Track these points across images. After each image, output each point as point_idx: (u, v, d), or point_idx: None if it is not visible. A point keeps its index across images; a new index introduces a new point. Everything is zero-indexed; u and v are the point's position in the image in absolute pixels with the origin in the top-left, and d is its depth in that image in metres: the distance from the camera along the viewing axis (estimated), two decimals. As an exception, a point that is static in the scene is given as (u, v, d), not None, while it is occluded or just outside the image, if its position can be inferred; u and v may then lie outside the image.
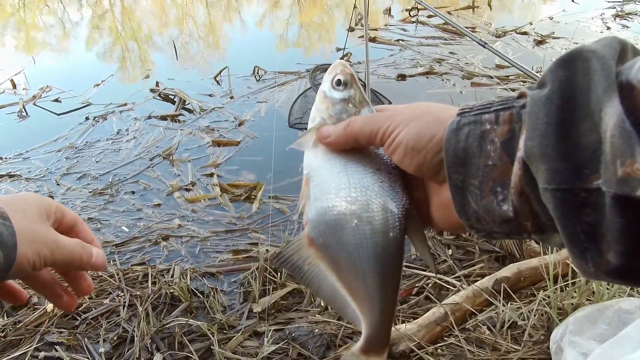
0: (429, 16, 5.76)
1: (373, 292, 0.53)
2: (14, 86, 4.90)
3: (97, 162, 3.47)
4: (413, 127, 0.48)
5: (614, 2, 6.27)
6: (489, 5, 6.89)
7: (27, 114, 4.34)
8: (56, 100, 4.54)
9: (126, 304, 2.14)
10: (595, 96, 0.36)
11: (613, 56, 0.37)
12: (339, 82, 0.58)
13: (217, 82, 4.75)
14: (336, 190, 0.54)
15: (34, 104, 4.50)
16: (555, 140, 0.37)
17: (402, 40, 5.47)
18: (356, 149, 0.55)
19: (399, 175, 0.54)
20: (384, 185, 0.54)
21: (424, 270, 2.13)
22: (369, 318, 0.54)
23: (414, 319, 1.88)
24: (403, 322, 1.87)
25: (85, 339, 2.00)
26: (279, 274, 2.21)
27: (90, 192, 3.11)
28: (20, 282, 0.60)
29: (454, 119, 0.45)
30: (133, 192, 3.08)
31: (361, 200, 0.53)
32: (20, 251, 0.51)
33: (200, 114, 4.07)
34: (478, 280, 2.03)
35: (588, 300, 1.80)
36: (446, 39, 5.33)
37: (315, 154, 0.57)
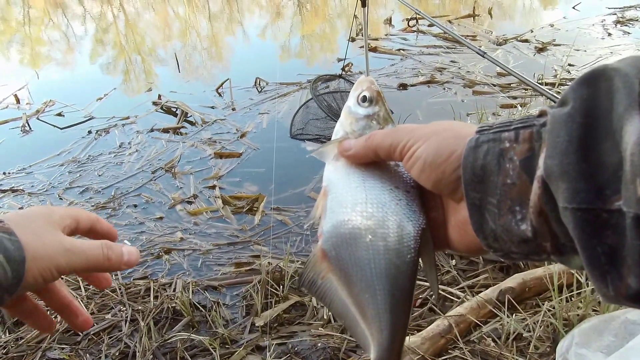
0: (430, 25, 5.78)
1: (383, 312, 0.52)
2: (18, 101, 4.94)
3: (99, 175, 3.47)
4: (433, 142, 0.48)
5: (614, 8, 6.27)
6: (490, 13, 6.90)
7: (30, 128, 4.36)
8: (59, 114, 4.57)
9: (128, 319, 2.13)
10: (617, 115, 0.35)
11: (636, 75, 0.36)
12: (364, 99, 0.59)
13: (219, 94, 4.77)
14: (352, 205, 0.53)
15: (37, 119, 4.52)
16: (576, 159, 0.36)
17: (403, 49, 5.48)
18: (376, 165, 0.55)
19: (417, 194, 0.54)
20: (401, 203, 0.53)
21: (424, 280, 2.11)
22: (378, 340, 0.52)
23: (418, 331, 1.86)
24: (407, 334, 1.84)
25: (87, 354, 1.99)
26: (281, 286, 2.19)
27: (92, 205, 3.11)
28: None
29: (472, 136, 0.45)
30: (135, 206, 3.08)
31: (377, 216, 0.53)
32: (30, 264, 0.50)
33: (202, 126, 4.08)
34: (482, 291, 2.01)
35: (594, 310, 1.78)
36: (447, 48, 5.34)
37: (335, 167, 0.57)
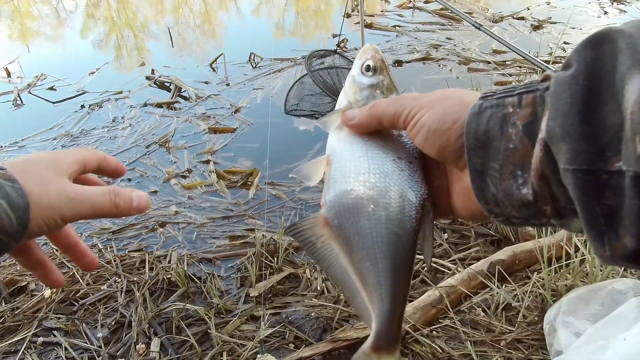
0: (426, 1, 5.73)
1: (384, 280, 0.52)
2: (9, 75, 4.87)
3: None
4: (437, 109, 0.48)
5: (611, -14, 6.23)
6: (487, -10, 6.84)
7: (22, 102, 4.32)
8: (51, 88, 4.52)
9: (124, 290, 2.15)
10: (619, 75, 0.35)
11: None
12: (368, 68, 0.59)
13: (213, 69, 4.72)
14: (355, 175, 0.54)
15: (29, 93, 4.47)
16: (579, 120, 0.36)
17: (399, 26, 5.43)
18: (379, 135, 0.55)
19: (419, 165, 0.55)
20: (403, 173, 0.54)
21: (420, 254, 2.14)
22: (379, 309, 0.52)
23: (410, 301, 1.89)
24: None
25: (84, 324, 2.01)
26: (275, 259, 2.22)
27: (86, 179, 3.10)
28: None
29: (476, 102, 0.45)
30: (129, 180, 3.08)
31: (380, 186, 0.53)
32: (34, 213, 0.50)
33: (196, 101, 4.05)
34: (473, 263, 2.05)
35: (582, 281, 1.82)
36: (443, 25, 5.30)
37: (338, 136, 0.57)
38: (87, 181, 0.63)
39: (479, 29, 2.18)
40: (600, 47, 0.37)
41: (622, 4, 5.68)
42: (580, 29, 4.89)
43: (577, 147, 0.36)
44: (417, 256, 0.54)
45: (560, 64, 0.41)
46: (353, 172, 0.54)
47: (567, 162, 0.36)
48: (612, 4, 5.70)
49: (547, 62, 3.76)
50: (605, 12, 5.45)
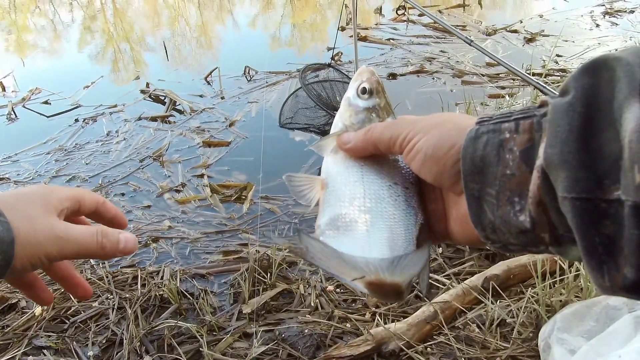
0: (420, 15, 5.77)
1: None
2: (3, 88, 4.87)
3: (86, 164, 3.44)
4: (434, 134, 0.47)
5: (603, -1, 6.30)
6: (480, 3, 6.90)
7: (16, 116, 4.31)
8: (46, 102, 4.51)
9: (115, 307, 2.13)
10: (617, 103, 0.35)
11: (639, 63, 0.36)
12: (364, 90, 0.58)
13: (208, 82, 4.73)
14: (350, 199, 0.53)
15: (23, 106, 4.46)
16: (577, 148, 0.36)
17: (393, 39, 5.47)
18: (375, 159, 0.55)
19: (416, 191, 0.54)
20: (399, 199, 0.53)
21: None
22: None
23: (404, 317, 1.88)
24: (392, 321, 1.87)
25: (74, 342, 1.99)
26: (269, 274, 2.20)
27: (79, 194, 3.08)
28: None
29: (472, 127, 0.44)
30: (123, 194, 3.06)
31: (375, 211, 0.52)
32: (18, 249, 0.49)
33: (190, 114, 4.05)
34: (468, 278, 2.04)
35: (576, 296, 1.81)
36: (437, 38, 5.34)
37: (334, 160, 0.56)
38: (77, 221, 0.62)
39: (470, 45, 2.19)
40: (598, 74, 0.37)
41: (614, 17, 5.74)
42: (573, 42, 4.93)
43: (575, 175, 0.35)
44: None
45: (553, 76, 0.41)
46: (348, 196, 0.53)
47: (565, 190, 0.36)
48: (604, 16, 5.76)
49: (540, 74, 3.79)
50: (597, 25, 5.50)
